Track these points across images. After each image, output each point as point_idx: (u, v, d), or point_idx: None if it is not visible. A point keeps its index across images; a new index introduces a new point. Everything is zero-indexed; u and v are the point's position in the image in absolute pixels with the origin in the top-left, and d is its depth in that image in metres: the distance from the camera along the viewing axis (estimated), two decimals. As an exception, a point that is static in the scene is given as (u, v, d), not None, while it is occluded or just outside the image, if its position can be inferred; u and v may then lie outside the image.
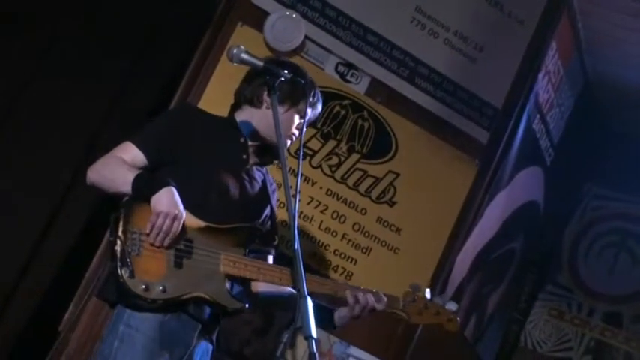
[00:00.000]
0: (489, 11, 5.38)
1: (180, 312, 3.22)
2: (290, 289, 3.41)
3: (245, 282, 3.39)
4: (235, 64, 3.31)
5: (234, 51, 3.27)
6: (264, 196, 3.56)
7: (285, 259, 3.44)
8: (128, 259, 3.10)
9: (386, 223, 5.17)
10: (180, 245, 3.22)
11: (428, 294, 3.47)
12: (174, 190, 3.21)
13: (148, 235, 3.16)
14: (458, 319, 3.51)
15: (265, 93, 3.45)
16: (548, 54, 5.71)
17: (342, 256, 5.06)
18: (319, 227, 5.04)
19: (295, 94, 3.48)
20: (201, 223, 3.29)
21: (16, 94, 4.87)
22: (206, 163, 3.41)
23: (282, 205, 4.83)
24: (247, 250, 3.34)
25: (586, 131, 7.16)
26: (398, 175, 5.19)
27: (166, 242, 3.16)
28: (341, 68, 5.10)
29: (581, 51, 6.46)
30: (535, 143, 6.21)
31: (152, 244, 3.16)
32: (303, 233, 4.90)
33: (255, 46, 4.35)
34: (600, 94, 7.07)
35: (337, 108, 5.09)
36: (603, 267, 7.46)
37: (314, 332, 2.81)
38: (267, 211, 3.57)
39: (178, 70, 5.01)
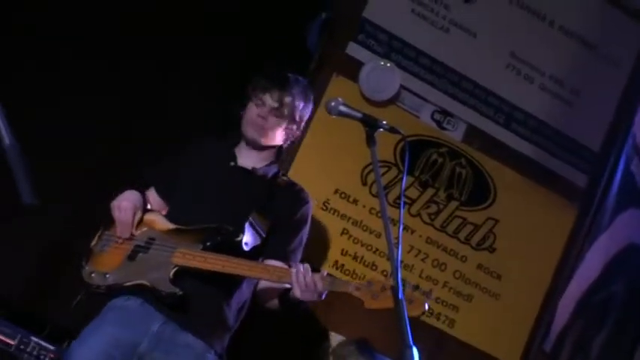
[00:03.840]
0: (584, 54, 5.35)
1: (145, 301, 3.49)
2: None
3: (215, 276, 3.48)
4: (333, 116, 3.31)
5: (333, 103, 3.26)
6: (245, 198, 3.74)
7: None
8: (88, 254, 3.67)
9: (486, 270, 5.13)
10: (142, 243, 3.63)
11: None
12: (134, 191, 3.75)
13: (118, 237, 3.67)
14: (424, 302, 3.35)
15: (249, 89, 3.81)
16: (645, 95, 5.64)
17: (444, 304, 5.04)
18: (420, 275, 5.03)
19: (255, 88, 3.80)
20: (171, 226, 3.67)
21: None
22: (194, 178, 3.81)
23: (382, 255, 4.88)
24: (204, 246, 3.50)
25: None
26: (497, 221, 5.16)
27: (121, 231, 3.65)
28: (437, 116, 5.11)
29: (678, 91, 6.37)
30: (634, 186, 6.11)
31: (121, 241, 3.66)
32: (404, 282, 4.87)
33: (350, 97, 4.42)
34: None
35: (434, 156, 5.09)
36: None
37: None
38: (244, 210, 3.65)
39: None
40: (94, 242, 3.73)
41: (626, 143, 5.53)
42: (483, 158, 5.16)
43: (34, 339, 4.09)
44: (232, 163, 3.82)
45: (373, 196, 4.95)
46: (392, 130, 3.22)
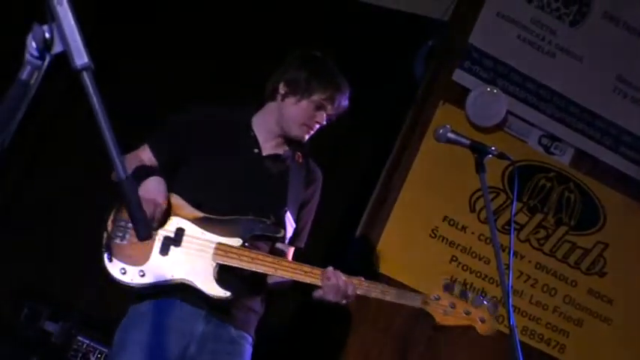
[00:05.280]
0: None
1: (182, 301, 3.35)
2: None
3: (254, 273, 3.38)
4: (442, 143, 3.32)
5: (441, 131, 3.29)
6: (276, 185, 3.57)
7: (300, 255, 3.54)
8: (110, 245, 3.37)
9: (597, 295, 5.10)
10: (171, 234, 3.39)
11: (456, 291, 3.29)
12: (160, 179, 3.40)
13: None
14: (493, 319, 3.26)
15: (280, 85, 3.58)
16: None
17: (554, 329, 5.02)
18: (530, 301, 5.01)
19: (310, 84, 3.54)
20: (199, 214, 3.42)
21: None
22: (212, 160, 3.52)
23: (491, 281, 4.88)
24: (245, 241, 3.37)
25: None
26: (607, 245, 5.12)
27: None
28: (544, 141, 5.10)
29: None
30: None
31: None
32: (514, 307, 4.87)
33: (457, 124, 4.40)
34: None
35: (543, 181, 5.08)
36: None
37: None
38: (280, 201, 3.54)
39: (382, 149, 5.11)
40: (109, 229, 3.40)
41: None
42: (592, 182, 5.14)
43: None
44: (256, 150, 3.59)
45: (481, 222, 4.95)
46: (501, 156, 3.24)
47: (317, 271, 3.35)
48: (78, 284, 4.90)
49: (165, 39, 5.35)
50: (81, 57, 1.79)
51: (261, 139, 3.62)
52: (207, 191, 3.46)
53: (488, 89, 4.99)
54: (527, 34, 5.09)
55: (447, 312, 3.27)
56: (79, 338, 4.58)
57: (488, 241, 4.86)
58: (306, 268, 3.36)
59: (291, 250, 3.63)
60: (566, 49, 5.13)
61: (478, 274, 4.95)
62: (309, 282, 3.34)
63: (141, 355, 3.32)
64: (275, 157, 3.62)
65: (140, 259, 3.36)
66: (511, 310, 3.04)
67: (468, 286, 4.92)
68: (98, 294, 4.59)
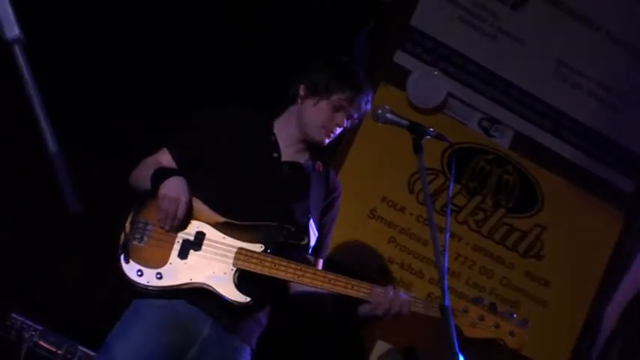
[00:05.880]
0: (632, 60, 5.32)
1: (189, 302, 3.29)
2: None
3: (274, 281, 3.33)
4: (380, 124, 3.27)
5: (380, 111, 3.24)
6: (298, 193, 3.52)
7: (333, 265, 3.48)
8: (127, 246, 3.31)
9: (533, 277, 5.14)
10: (191, 237, 3.34)
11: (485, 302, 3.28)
12: (182, 179, 3.35)
13: (156, 225, 3.33)
14: (523, 334, 3.26)
15: (301, 87, 3.55)
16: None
17: (491, 311, 5.04)
18: (467, 283, 5.04)
19: (329, 85, 3.50)
20: (220, 219, 3.38)
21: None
22: (231, 162, 3.47)
23: (429, 262, 4.90)
24: (267, 247, 3.32)
25: None
26: (544, 228, 5.16)
27: (170, 225, 3.30)
28: (484, 123, 5.11)
29: None
30: (683, 192, 6.09)
31: (161, 231, 3.32)
32: (451, 289, 4.90)
33: (397, 105, 4.39)
34: None
35: (482, 163, 5.10)
36: None
37: None
38: (302, 208, 3.50)
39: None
40: (127, 230, 3.35)
41: (673, 149, 5.50)
42: (531, 165, 5.16)
43: (82, 348, 4.07)
44: (275, 155, 3.54)
45: (420, 204, 4.96)
46: (439, 137, 3.20)
47: (366, 285, 3.31)
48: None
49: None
50: (12, 29, 1.77)
51: (281, 143, 3.58)
52: (228, 195, 3.42)
53: (429, 71, 5.00)
54: (469, 16, 5.10)
55: (474, 324, 3.27)
56: (13, 315, 4.53)
57: (426, 222, 4.86)
58: (354, 282, 3.30)
59: (320, 262, 3.61)
60: (508, 32, 5.15)
61: (416, 256, 4.96)
62: (356, 296, 3.30)
63: (143, 343, 3.26)
64: (295, 165, 3.57)
65: (158, 262, 3.31)
66: (447, 290, 3.02)
67: (405, 267, 4.94)
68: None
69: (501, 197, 5.12)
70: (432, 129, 3.17)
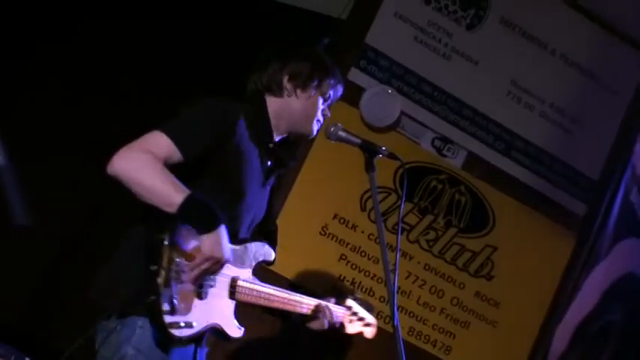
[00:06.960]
0: (585, 82, 5.37)
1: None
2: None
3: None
4: (333, 141, 3.26)
5: (332, 129, 3.24)
6: (270, 201, 3.46)
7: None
8: (174, 296, 2.85)
9: (484, 297, 5.14)
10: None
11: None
12: (224, 230, 2.96)
13: (187, 272, 2.93)
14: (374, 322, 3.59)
15: (285, 79, 3.30)
16: (645, 125, 5.65)
17: (441, 330, 5.04)
18: (417, 302, 5.03)
19: (319, 76, 3.33)
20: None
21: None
22: (236, 172, 3.15)
23: (380, 281, 4.88)
24: (253, 271, 3.25)
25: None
26: (495, 248, 5.17)
27: (194, 279, 2.94)
28: (437, 143, 5.12)
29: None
30: (633, 215, 6.11)
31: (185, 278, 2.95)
32: (401, 308, 4.91)
33: (350, 123, 4.39)
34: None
35: (434, 182, 5.10)
36: None
37: None
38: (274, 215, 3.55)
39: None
40: (167, 276, 2.86)
41: (625, 173, 5.53)
42: (483, 186, 5.18)
43: (28, 360, 4.04)
44: (269, 163, 3.31)
45: (372, 221, 4.95)
46: (391, 156, 3.20)
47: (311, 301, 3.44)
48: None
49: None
50: None
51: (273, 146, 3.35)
52: (231, 215, 3.12)
53: (383, 89, 4.99)
54: (424, 35, 5.11)
55: (352, 320, 3.50)
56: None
57: (377, 240, 4.85)
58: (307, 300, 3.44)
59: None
60: (462, 53, 5.17)
61: (367, 274, 4.95)
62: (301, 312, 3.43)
63: None
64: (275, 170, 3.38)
65: (188, 308, 2.96)
66: (396, 310, 3.01)
67: (356, 285, 4.93)
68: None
69: (453, 217, 5.12)
70: (384, 148, 3.18)
